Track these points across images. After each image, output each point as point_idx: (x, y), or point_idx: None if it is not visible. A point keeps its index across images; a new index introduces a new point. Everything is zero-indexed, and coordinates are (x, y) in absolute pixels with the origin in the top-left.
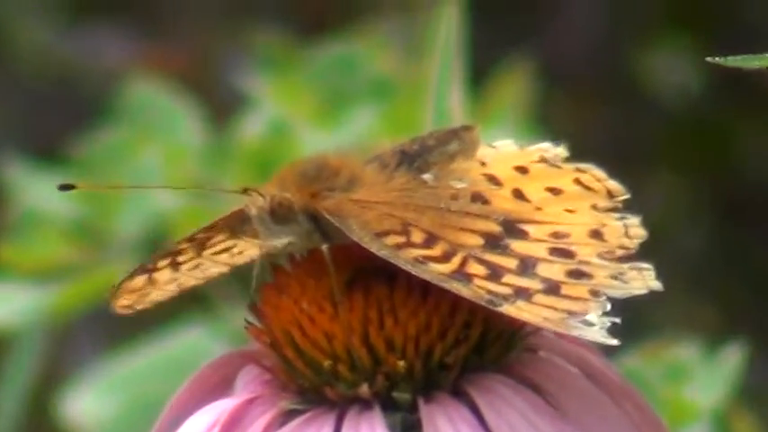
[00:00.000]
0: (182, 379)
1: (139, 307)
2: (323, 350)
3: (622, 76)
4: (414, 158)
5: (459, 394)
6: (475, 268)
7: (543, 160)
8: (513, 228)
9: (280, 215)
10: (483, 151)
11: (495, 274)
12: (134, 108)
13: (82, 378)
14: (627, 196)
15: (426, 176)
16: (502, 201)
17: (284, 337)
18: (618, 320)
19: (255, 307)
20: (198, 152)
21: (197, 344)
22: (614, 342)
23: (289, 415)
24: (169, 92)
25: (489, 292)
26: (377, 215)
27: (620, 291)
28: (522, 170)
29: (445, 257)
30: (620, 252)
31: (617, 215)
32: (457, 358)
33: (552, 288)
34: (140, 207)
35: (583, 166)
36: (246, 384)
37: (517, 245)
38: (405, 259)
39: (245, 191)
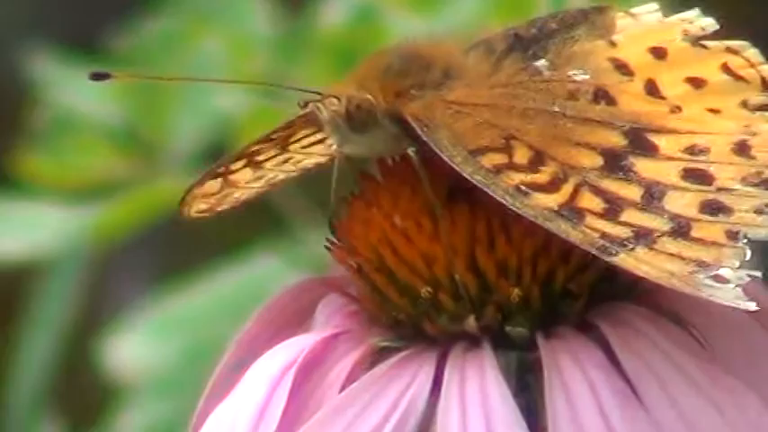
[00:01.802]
0: (247, 317)
1: (221, 208)
2: (420, 275)
3: None
4: (529, 44)
5: (586, 329)
6: (588, 201)
7: (686, 37)
8: (640, 139)
9: (358, 121)
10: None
11: (612, 208)
12: None
13: (128, 318)
14: None
15: (540, 63)
16: (631, 99)
17: (374, 260)
18: (759, 274)
19: (338, 223)
20: (268, 43)
21: (268, 274)
22: (752, 306)
23: (380, 354)
24: None
25: (604, 235)
26: (474, 124)
27: (766, 230)
28: (659, 53)
29: (554, 185)
30: None
31: None
32: (583, 285)
33: (681, 228)
34: (198, 108)
35: (734, 44)
36: (328, 317)
37: (643, 165)
38: (504, 188)
39: (318, 93)
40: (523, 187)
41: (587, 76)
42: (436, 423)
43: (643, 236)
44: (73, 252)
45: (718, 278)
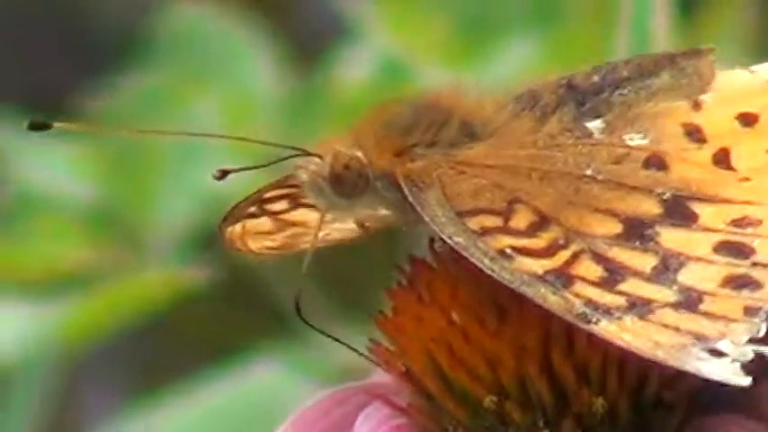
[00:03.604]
0: None
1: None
2: (483, 381)
3: None
4: (585, 97)
5: None
6: (585, 269)
7: None
8: (680, 208)
9: (346, 183)
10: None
11: (611, 278)
12: (179, 43)
13: None
14: None
15: (594, 125)
16: (689, 167)
17: (426, 363)
18: (767, 351)
19: (384, 320)
20: (272, 104)
21: (271, 384)
22: (746, 381)
23: None
24: (231, 20)
25: (589, 302)
26: (476, 186)
27: None
28: (748, 119)
29: (549, 251)
30: None
31: None
32: (681, 393)
33: (690, 301)
34: (188, 184)
35: None
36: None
37: (670, 235)
38: (484, 250)
39: (300, 150)
40: (509, 251)
41: (645, 142)
42: None
43: (638, 306)
44: (37, 358)
45: (713, 351)
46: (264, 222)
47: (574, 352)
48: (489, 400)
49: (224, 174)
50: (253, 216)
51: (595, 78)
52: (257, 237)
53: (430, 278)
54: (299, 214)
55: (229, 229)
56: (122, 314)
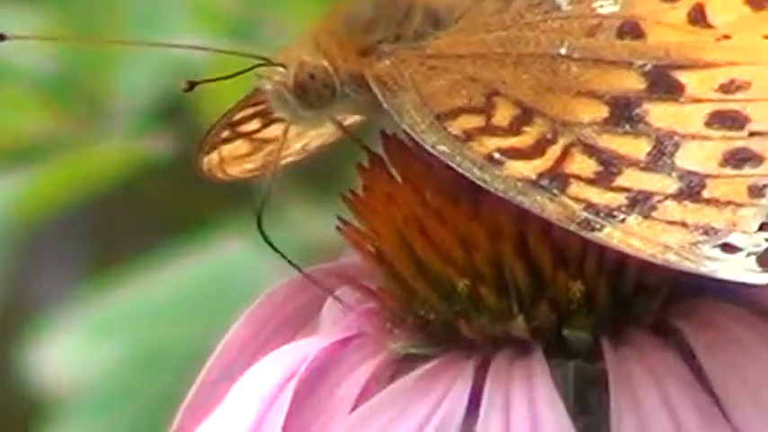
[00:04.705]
0: (214, 314)
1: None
2: (456, 265)
3: None
4: None
5: (664, 332)
6: (579, 164)
7: None
8: (664, 79)
9: (311, 93)
10: None
11: (607, 171)
12: None
13: (57, 316)
14: None
15: None
16: (665, 31)
17: (398, 245)
18: None
19: (354, 199)
20: None
21: (236, 262)
22: (766, 279)
23: (403, 363)
24: None
25: (589, 206)
26: (451, 82)
27: None
28: None
29: (537, 148)
30: None
31: None
32: (662, 277)
33: (692, 189)
34: (151, 55)
35: None
36: (339, 317)
37: (660, 112)
38: (472, 159)
39: (267, 61)
40: (497, 155)
41: (616, 8)
42: None
43: (640, 202)
44: None
45: (726, 248)
46: (240, 145)
47: (551, 234)
48: (463, 284)
49: (191, 85)
50: (227, 141)
51: None
52: (236, 162)
53: (403, 156)
54: (273, 130)
55: (206, 159)
56: (83, 186)
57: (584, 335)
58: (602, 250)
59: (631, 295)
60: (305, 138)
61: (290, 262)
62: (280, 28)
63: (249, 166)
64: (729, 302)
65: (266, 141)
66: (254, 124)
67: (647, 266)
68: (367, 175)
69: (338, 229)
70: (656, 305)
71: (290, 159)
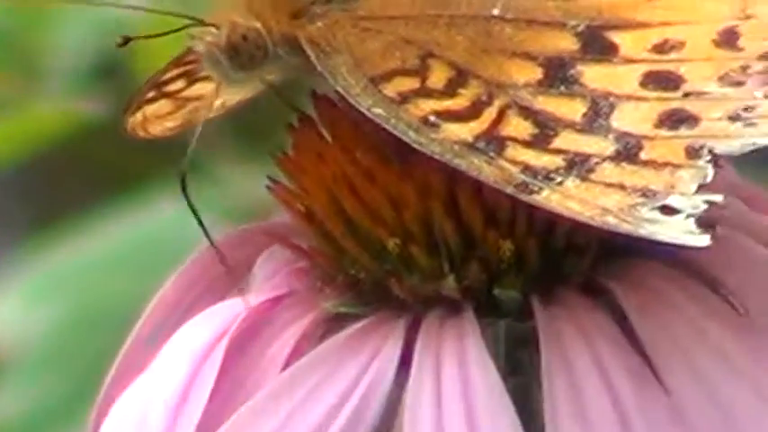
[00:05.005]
0: (152, 273)
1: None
2: (386, 224)
3: None
4: None
5: (594, 292)
6: (515, 126)
7: None
8: (597, 40)
9: (243, 54)
10: None
11: (543, 134)
12: None
13: None
14: None
15: None
16: None
17: (328, 203)
18: (719, 199)
19: (284, 158)
20: None
21: (172, 220)
22: (705, 241)
23: (334, 322)
24: None
25: (526, 168)
26: (385, 43)
27: (740, 140)
28: None
29: (473, 110)
30: (758, 66)
31: None
32: (591, 236)
33: (629, 150)
34: (85, 12)
35: None
36: (269, 276)
37: (594, 73)
38: (407, 121)
39: (200, 22)
40: (433, 117)
41: None
42: (403, 411)
43: (578, 164)
44: None
45: (665, 210)
46: (164, 105)
47: (481, 194)
48: (393, 243)
49: (126, 41)
50: (152, 101)
51: None
52: (158, 121)
53: (333, 115)
54: (197, 89)
55: (131, 119)
56: (19, 146)
57: (514, 294)
58: (533, 210)
59: (562, 254)
60: (223, 94)
61: (204, 231)
62: None
63: (170, 124)
64: (661, 263)
65: (188, 100)
66: (178, 84)
67: (577, 226)
68: (297, 134)
69: (268, 188)
70: (586, 265)
71: (209, 116)
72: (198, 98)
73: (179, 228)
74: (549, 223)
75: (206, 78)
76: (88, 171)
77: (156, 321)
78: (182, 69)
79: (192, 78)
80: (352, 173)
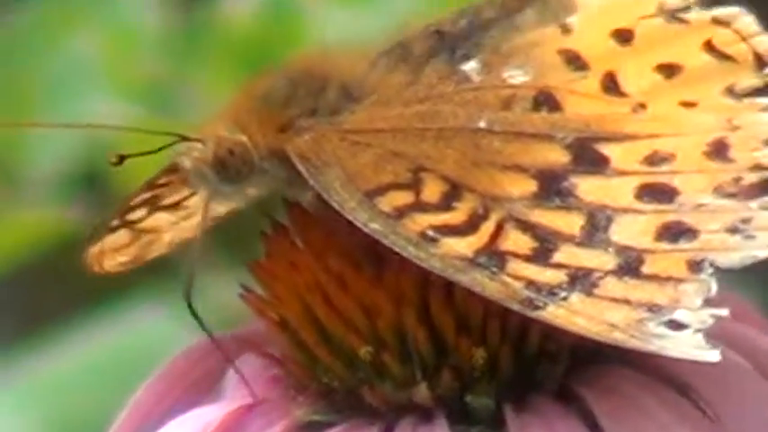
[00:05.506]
0: (130, 382)
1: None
2: (359, 331)
3: None
4: (456, 42)
5: (567, 399)
6: (513, 240)
7: (661, 12)
8: (587, 153)
9: (230, 169)
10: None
11: (543, 248)
12: None
13: None
14: None
15: (469, 66)
16: (581, 101)
17: (301, 312)
18: (724, 313)
19: (257, 266)
20: (157, 40)
21: (154, 330)
22: (716, 357)
23: (307, 429)
24: None
25: (530, 284)
26: (375, 157)
27: (740, 253)
28: (624, 36)
29: (470, 225)
30: (751, 177)
31: (765, 102)
32: (563, 343)
33: (630, 265)
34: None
35: (723, 13)
36: (242, 384)
37: (588, 186)
38: (406, 237)
39: (182, 137)
40: (431, 232)
41: (527, 78)
42: None
43: (580, 279)
44: None
45: (672, 324)
46: (122, 235)
47: (453, 301)
48: (365, 351)
49: (121, 159)
50: (114, 230)
51: (463, 23)
52: (112, 255)
53: (305, 223)
54: (153, 220)
55: (90, 250)
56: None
57: (487, 401)
58: (505, 316)
59: (534, 361)
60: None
61: (212, 339)
62: (196, 93)
63: (122, 258)
64: (633, 369)
65: (144, 232)
66: (140, 213)
67: (549, 332)
68: (270, 242)
69: (241, 296)
70: (558, 371)
71: (186, 236)
72: (151, 231)
73: (157, 336)
74: (522, 330)
75: (167, 208)
76: (70, 280)
77: (132, 424)
78: (149, 194)
79: (154, 206)
80: (324, 281)
